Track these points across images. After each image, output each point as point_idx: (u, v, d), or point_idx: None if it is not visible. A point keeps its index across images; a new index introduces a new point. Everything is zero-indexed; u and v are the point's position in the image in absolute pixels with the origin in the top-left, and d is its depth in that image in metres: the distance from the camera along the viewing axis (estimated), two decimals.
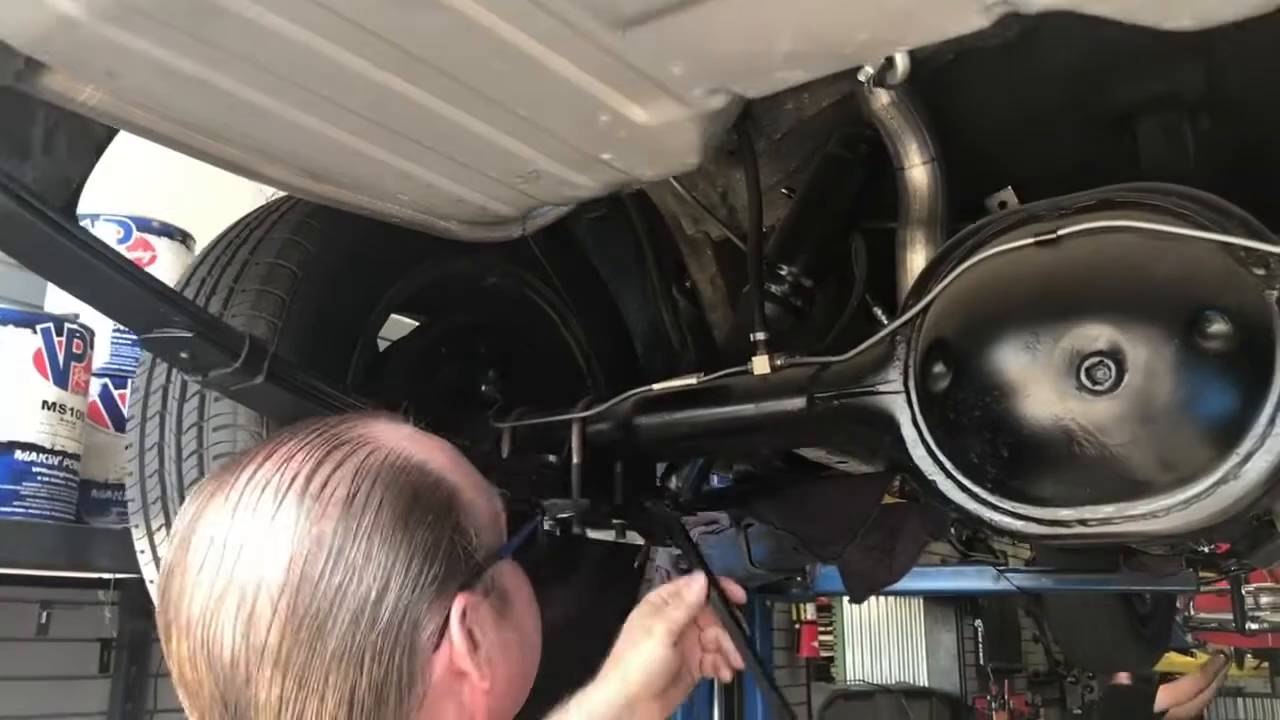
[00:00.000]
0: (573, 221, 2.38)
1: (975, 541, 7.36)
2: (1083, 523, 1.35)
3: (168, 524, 1.67)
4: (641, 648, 1.47)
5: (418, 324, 2.05)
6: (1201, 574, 4.59)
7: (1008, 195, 1.91)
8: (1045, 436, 1.33)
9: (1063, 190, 1.49)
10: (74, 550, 2.42)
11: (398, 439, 1.02)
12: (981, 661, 11.15)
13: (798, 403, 1.63)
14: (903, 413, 1.51)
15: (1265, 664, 9.54)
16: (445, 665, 0.96)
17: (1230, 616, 7.01)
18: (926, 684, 11.08)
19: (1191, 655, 10.11)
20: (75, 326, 2.58)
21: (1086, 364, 1.29)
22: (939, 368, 1.45)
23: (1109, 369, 1.28)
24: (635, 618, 1.51)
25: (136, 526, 1.73)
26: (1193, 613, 7.12)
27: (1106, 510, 1.33)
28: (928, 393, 1.47)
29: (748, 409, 1.68)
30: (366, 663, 0.91)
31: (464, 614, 0.96)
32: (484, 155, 1.14)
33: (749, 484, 2.54)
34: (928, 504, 2.79)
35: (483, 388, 2.01)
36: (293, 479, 0.94)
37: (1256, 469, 1.25)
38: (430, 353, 1.96)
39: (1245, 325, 1.26)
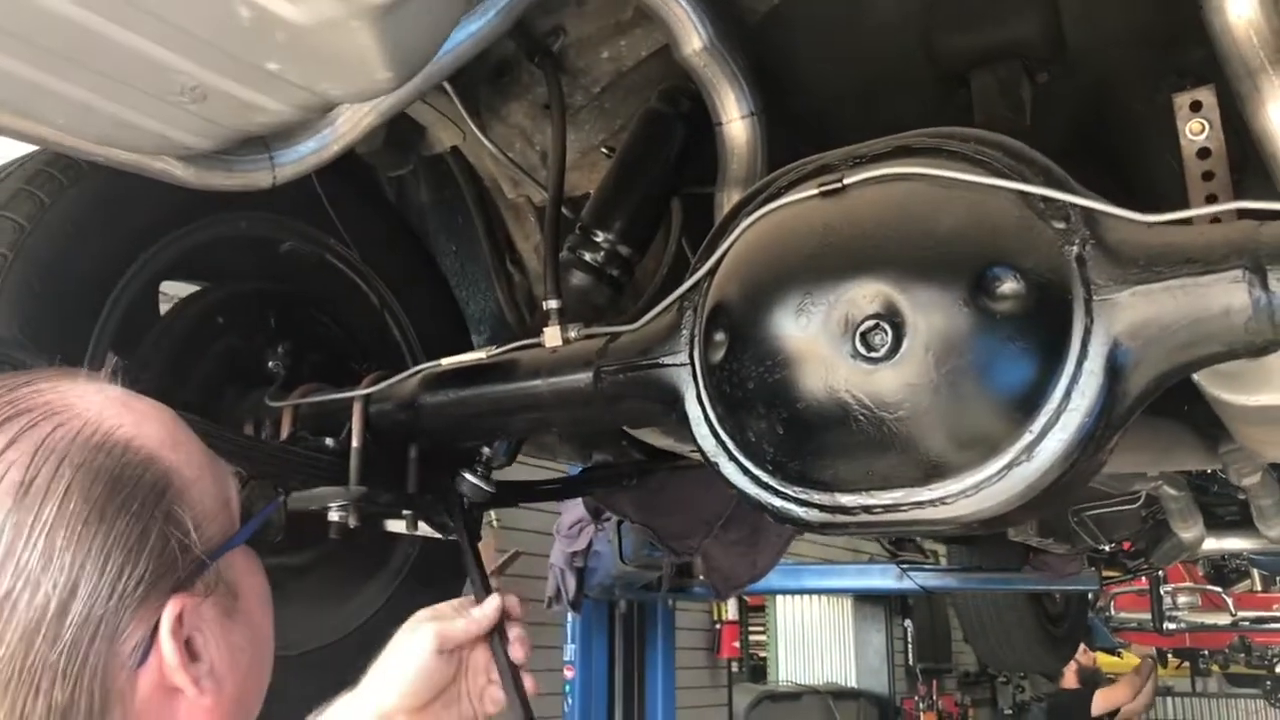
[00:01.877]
0: (395, 184, 2.20)
1: (904, 541, 7.28)
2: (867, 509, 1.19)
3: None
4: (404, 649, 1.30)
5: (189, 295, 1.85)
6: (1106, 573, 4.51)
7: None
8: (821, 411, 1.17)
9: None
10: None
11: (99, 407, 0.83)
12: (911, 662, 11.10)
13: (585, 377, 1.45)
14: (688, 387, 1.34)
15: (1186, 664, 9.59)
16: (154, 682, 0.79)
17: (1149, 616, 6.99)
18: (855, 684, 11.01)
19: (1118, 655, 10.14)
20: None
21: (862, 328, 1.13)
22: (719, 335, 1.28)
23: (886, 333, 1.11)
24: (408, 622, 1.34)
25: None
26: (1114, 613, 7.08)
27: (892, 495, 1.17)
28: (709, 364, 1.30)
29: (536, 385, 1.51)
30: (44, 687, 0.74)
31: (178, 620, 0.79)
32: (126, 65, 0.95)
33: (596, 473, 2.36)
34: None
35: (269, 364, 1.82)
36: None
37: (1051, 448, 1.10)
38: (202, 322, 1.76)
39: (1040, 285, 1.10)
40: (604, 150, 1.86)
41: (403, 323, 2.07)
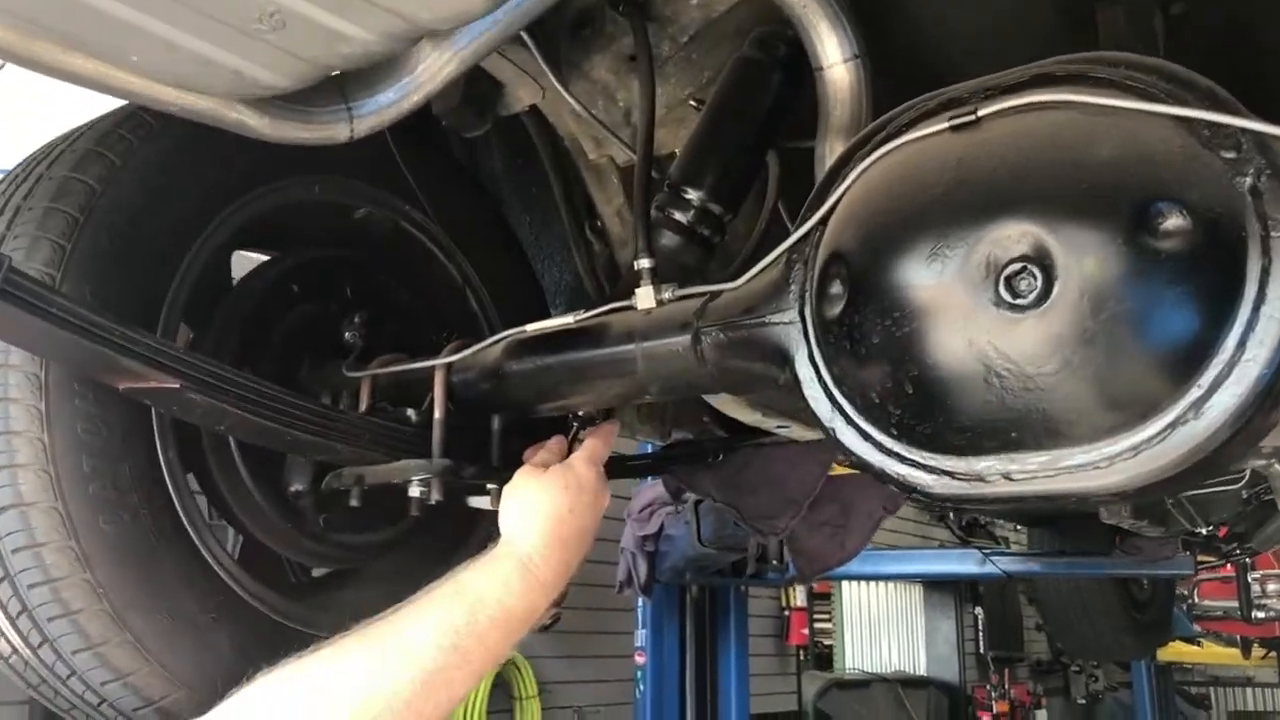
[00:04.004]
0: (468, 150, 2.12)
1: (974, 526, 7.08)
2: (1006, 477, 1.07)
3: None
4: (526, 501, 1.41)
5: (266, 260, 1.77)
6: (1200, 558, 4.31)
7: None
8: (958, 367, 1.05)
9: None
10: None
11: None
12: (982, 650, 10.88)
13: (682, 340, 1.35)
14: (798, 346, 1.23)
15: (1273, 654, 9.25)
16: None
17: (1236, 604, 6.73)
18: (925, 673, 10.82)
19: (1198, 645, 9.82)
20: None
21: (1006, 273, 1.01)
22: (835, 287, 1.17)
23: (1034, 278, 1.00)
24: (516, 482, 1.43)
25: None
26: (1198, 600, 6.83)
27: (1036, 461, 1.05)
28: (824, 320, 1.19)
29: (628, 349, 1.41)
30: None
31: None
32: None
33: (677, 450, 2.26)
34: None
35: (345, 334, 1.74)
36: None
37: (1222, 405, 0.97)
38: (276, 291, 1.69)
39: (1209, 221, 0.97)
40: (692, 104, 1.75)
41: (480, 294, 1.98)
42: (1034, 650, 11.67)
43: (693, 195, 1.65)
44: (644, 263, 1.43)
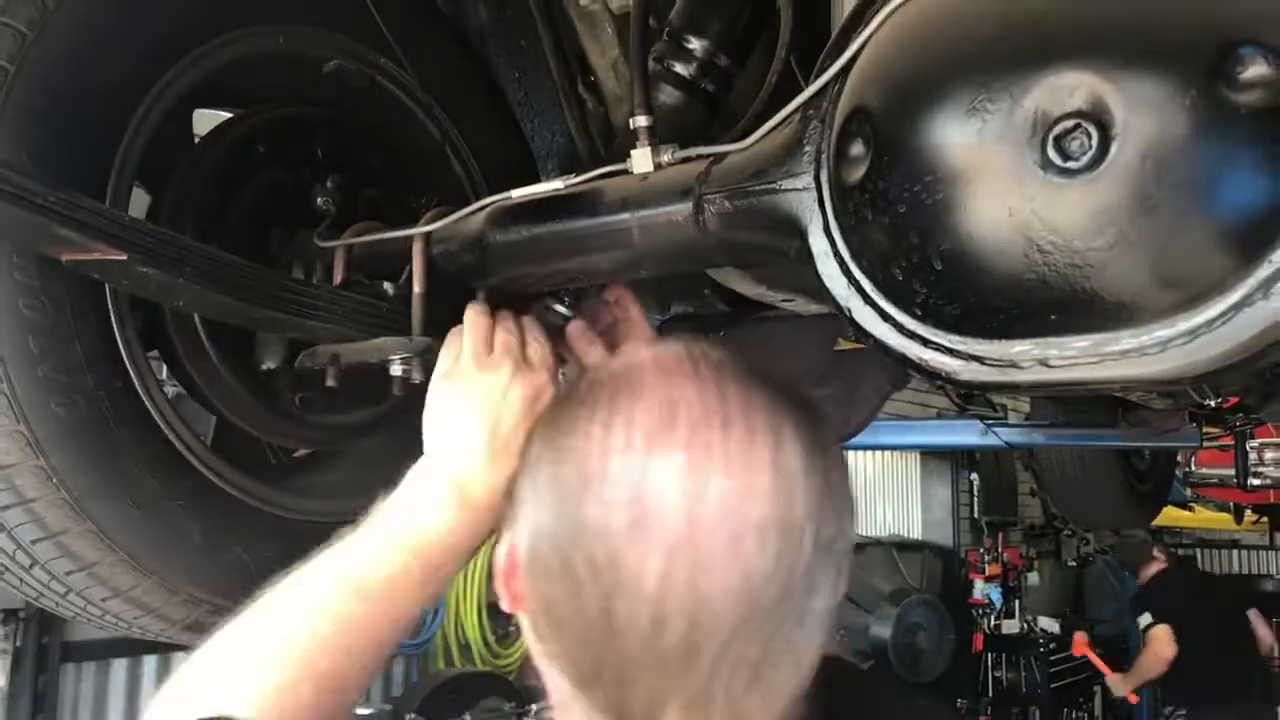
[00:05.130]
0: (452, 5, 1.94)
1: (973, 395, 7.03)
2: (1042, 363, 0.96)
3: None
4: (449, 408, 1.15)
5: (223, 121, 1.62)
6: (1206, 429, 4.25)
7: None
8: (994, 240, 0.93)
9: None
10: None
11: None
12: (976, 515, 11.01)
13: (682, 208, 1.22)
14: (812, 215, 1.11)
15: (1264, 519, 9.37)
16: None
17: (1232, 472, 6.75)
18: (920, 537, 10.98)
19: (1190, 510, 9.94)
20: None
21: (1056, 131, 0.88)
22: (856, 148, 1.03)
23: (1088, 137, 0.86)
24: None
25: None
26: (1194, 468, 6.84)
27: (1077, 345, 0.94)
28: (843, 186, 1.06)
29: (623, 219, 1.28)
30: None
31: None
32: None
33: (677, 324, 2.15)
34: None
35: (318, 200, 1.61)
36: None
37: None
38: (240, 152, 1.54)
39: None
40: None
41: (464, 156, 1.84)
42: (1028, 515, 11.83)
43: (695, 45, 1.49)
44: (640, 121, 1.29)
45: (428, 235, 1.44)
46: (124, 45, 1.36)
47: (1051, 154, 0.88)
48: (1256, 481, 6.98)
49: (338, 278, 1.51)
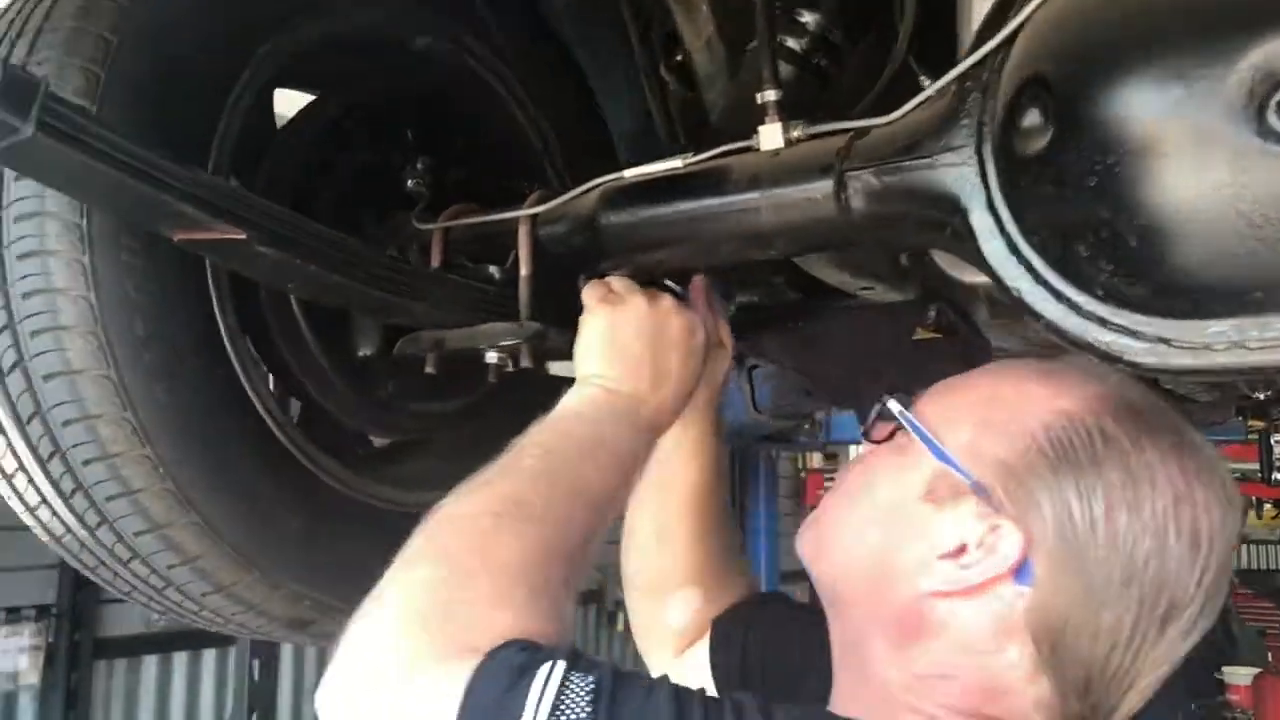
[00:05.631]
0: None
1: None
2: (1241, 345, 0.91)
3: None
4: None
5: (313, 100, 1.57)
6: (1251, 422, 4.21)
7: None
8: (1200, 215, 0.88)
9: None
10: None
11: None
12: None
13: (822, 186, 1.17)
14: (973, 191, 1.05)
15: None
16: None
17: (1255, 466, 6.71)
18: None
19: None
20: None
21: (1279, 99, 0.83)
22: (1032, 118, 0.98)
23: None
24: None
25: None
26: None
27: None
28: (1013, 159, 1.01)
29: (753, 198, 1.22)
30: None
31: None
32: None
33: (752, 315, 2.09)
34: (967, 338, 2.36)
35: (408, 182, 1.55)
36: None
37: None
38: (330, 132, 1.49)
39: None
40: None
41: (546, 138, 1.78)
42: None
43: (809, 19, 1.44)
44: (770, 95, 1.24)
45: (534, 217, 1.39)
46: (226, 16, 1.30)
47: (1273, 122, 0.83)
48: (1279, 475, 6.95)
49: (435, 261, 1.46)
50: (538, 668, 0.75)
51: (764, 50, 1.26)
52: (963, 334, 2.31)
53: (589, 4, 1.89)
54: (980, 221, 1.05)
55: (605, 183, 1.37)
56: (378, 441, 1.78)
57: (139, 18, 1.21)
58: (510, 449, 1.04)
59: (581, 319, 1.31)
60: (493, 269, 1.42)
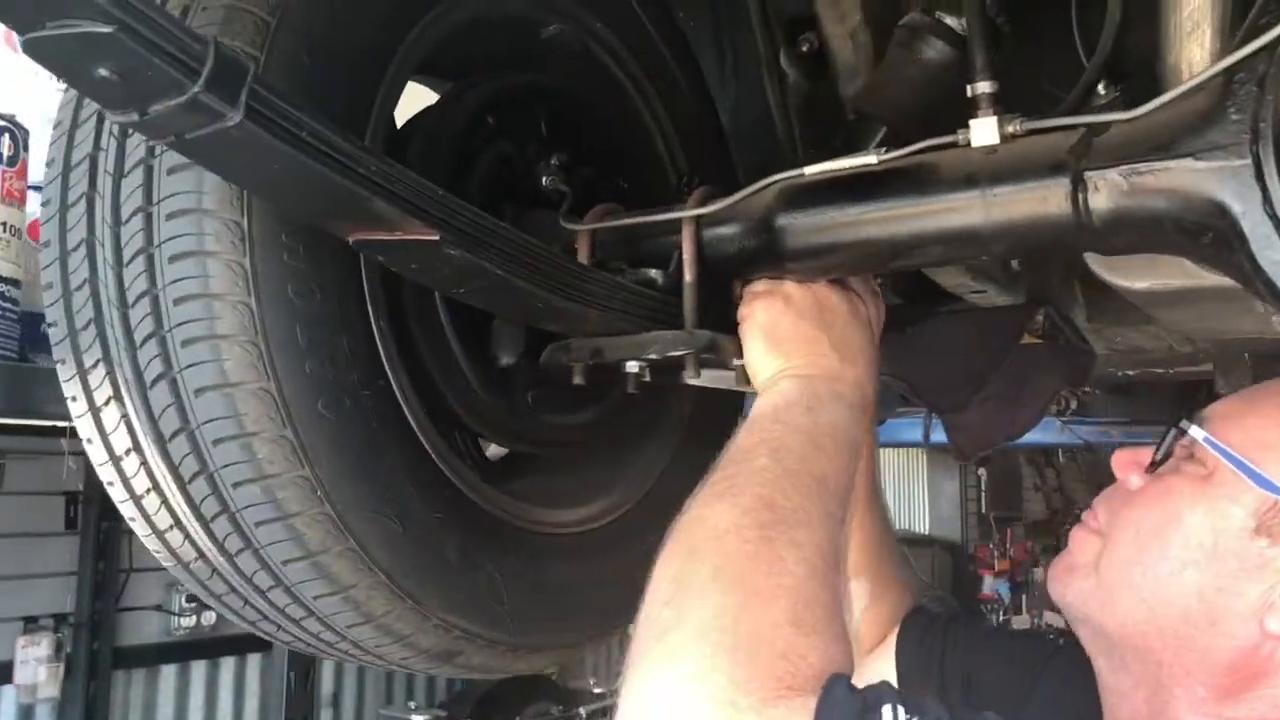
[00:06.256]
0: None
1: None
2: None
3: (106, 357, 1.13)
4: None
5: (453, 86, 1.46)
6: None
7: None
8: None
9: None
10: (19, 394, 2.07)
11: None
12: (984, 510, 10.96)
13: (1055, 186, 1.08)
14: (1246, 194, 0.97)
15: None
16: None
17: None
18: (928, 532, 10.92)
19: None
20: (2, 122, 2.14)
21: None
22: None
23: None
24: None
25: (62, 361, 1.20)
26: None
27: None
28: None
29: (968, 199, 1.13)
30: None
31: None
32: None
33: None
34: (1068, 344, 2.29)
35: (543, 180, 1.45)
36: None
37: None
38: (473, 127, 1.38)
39: None
40: None
41: (668, 134, 1.69)
42: (1032, 510, 11.80)
43: None
44: (983, 87, 1.15)
45: (698, 219, 1.30)
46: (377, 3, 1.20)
47: None
48: None
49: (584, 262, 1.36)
50: (877, 711, 0.68)
51: (976, 37, 1.17)
52: (1066, 339, 2.24)
53: None
54: (1256, 228, 0.96)
55: (782, 179, 1.27)
56: (491, 453, 1.67)
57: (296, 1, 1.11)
58: (731, 454, 0.98)
59: (742, 328, 1.26)
60: (654, 273, 1.31)
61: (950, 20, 1.36)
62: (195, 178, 1.04)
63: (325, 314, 1.11)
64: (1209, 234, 1.00)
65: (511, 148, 1.43)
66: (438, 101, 1.42)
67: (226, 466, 1.09)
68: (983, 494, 11.05)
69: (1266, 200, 0.95)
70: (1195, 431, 0.93)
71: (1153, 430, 4.33)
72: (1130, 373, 3.24)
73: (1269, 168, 0.95)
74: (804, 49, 1.72)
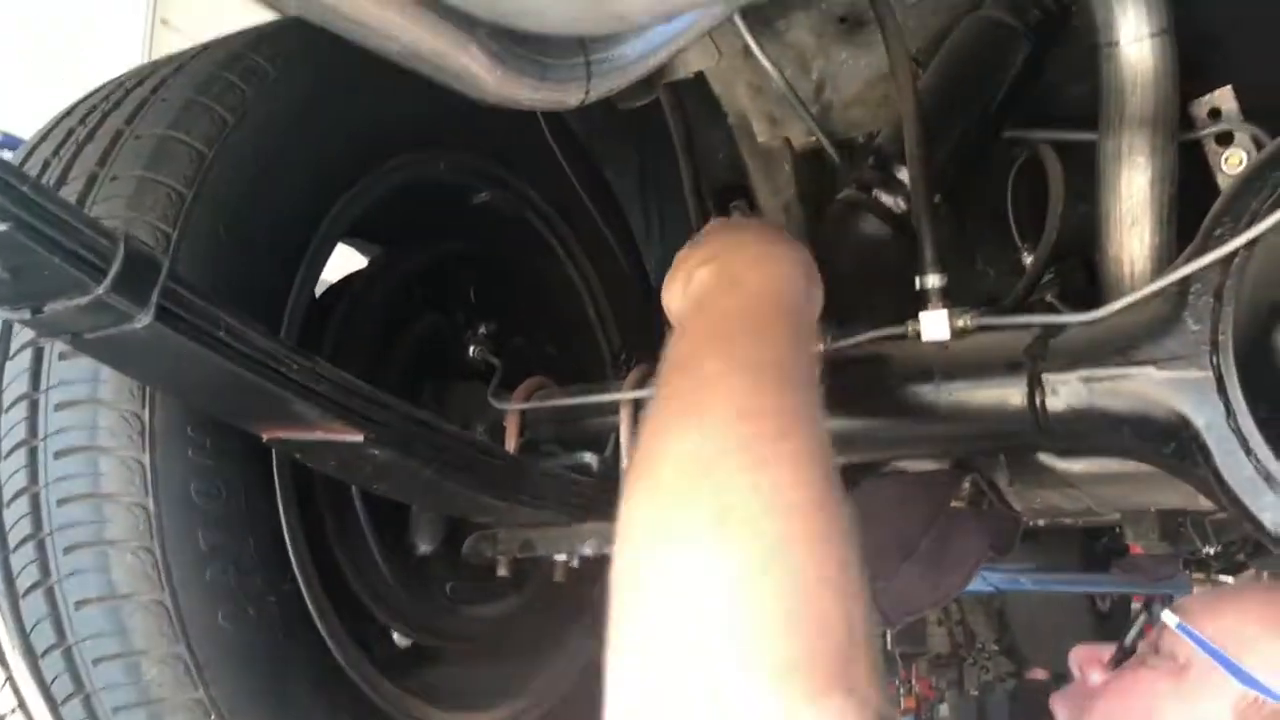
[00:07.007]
0: (586, 117, 1.76)
1: None
2: None
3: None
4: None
5: (378, 254, 1.39)
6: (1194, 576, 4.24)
7: (1224, 100, 1.36)
8: None
9: None
10: None
11: None
12: (889, 646, 10.89)
13: (1010, 385, 1.04)
14: (1204, 406, 0.94)
15: None
16: None
17: None
18: None
19: None
20: None
21: None
22: None
23: None
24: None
25: None
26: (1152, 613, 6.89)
27: None
28: (1273, 379, 0.90)
29: (921, 392, 1.09)
30: None
31: None
32: None
33: None
34: (993, 509, 2.27)
35: (470, 351, 1.38)
36: None
37: None
38: (401, 296, 1.31)
39: None
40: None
41: (599, 300, 1.63)
42: (935, 644, 11.79)
43: (906, 177, 1.34)
44: (933, 280, 1.12)
45: (637, 402, 1.23)
46: (304, 168, 1.13)
47: None
48: None
49: (511, 444, 1.28)
50: None
51: (923, 230, 1.15)
52: (991, 504, 2.22)
53: (641, 153, 1.78)
54: (1217, 443, 0.93)
55: None
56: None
57: (218, 168, 1.03)
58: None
59: None
60: (589, 458, 1.24)
61: (885, 198, 1.36)
62: (91, 365, 0.94)
63: (231, 514, 1.00)
64: (1171, 444, 0.97)
65: (439, 317, 1.36)
66: (364, 269, 1.34)
67: (106, 689, 0.96)
68: (887, 630, 11.02)
69: (1230, 414, 0.93)
70: (1169, 619, 0.89)
71: (1079, 578, 4.36)
72: (1040, 522, 3.28)
73: (1230, 381, 0.93)
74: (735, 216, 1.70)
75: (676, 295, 0.94)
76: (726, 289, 0.88)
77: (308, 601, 1.09)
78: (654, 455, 0.71)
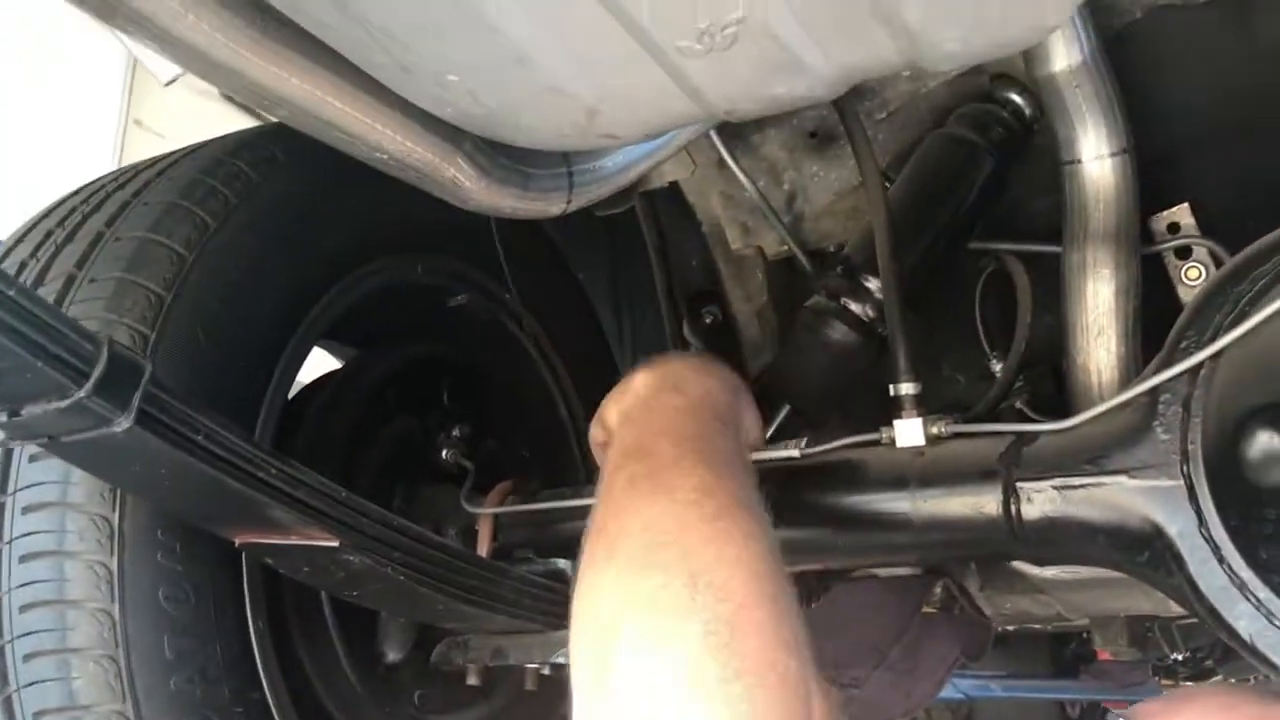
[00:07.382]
0: (560, 222, 1.78)
1: None
2: None
3: None
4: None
5: (353, 356, 1.39)
6: (1163, 682, 4.22)
7: (1182, 215, 1.41)
8: None
9: (1258, 215, 1.06)
10: None
11: None
12: None
13: (987, 494, 1.05)
14: (1176, 515, 0.95)
15: None
16: None
17: None
18: None
19: None
20: None
21: None
22: (1263, 444, 0.90)
23: None
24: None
25: None
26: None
27: None
28: (1239, 485, 0.92)
29: (893, 501, 1.10)
30: None
31: None
32: None
33: None
34: (964, 616, 2.26)
35: (443, 453, 1.37)
36: None
37: None
38: (374, 399, 1.31)
39: None
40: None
41: (571, 402, 1.64)
42: None
43: (874, 286, 1.37)
44: (907, 389, 1.13)
45: None
46: (282, 271, 1.14)
47: None
48: None
49: (483, 549, 1.27)
50: None
51: (896, 338, 1.17)
52: (962, 609, 2.21)
53: (614, 258, 1.81)
54: (1193, 551, 0.94)
55: None
56: None
57: (198, 271, 1.03)
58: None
59: None
60: (563, 564, 1.23)
61: (854, 306, 1.38)
62: (61, 467, 0.93)
63: (199, 620, 0.98)
64: (1145, 552, 0.98)
65: (412, 420, 1.36)
66: (338, 371, 1.34)
67: None
68: None
69: (1202, 523, 0.94)
70: None
71: (1049, 685, 4.31)
72: (1009, 628, 3.27)
73: (1201, 490, 0.94)
74: (708, 321, 1.72)
75: (612, 405, 1.01)
76: (670, 391, 0.97)
77: (274, 713, 1.06)
78: (618, 530, 0.78)
